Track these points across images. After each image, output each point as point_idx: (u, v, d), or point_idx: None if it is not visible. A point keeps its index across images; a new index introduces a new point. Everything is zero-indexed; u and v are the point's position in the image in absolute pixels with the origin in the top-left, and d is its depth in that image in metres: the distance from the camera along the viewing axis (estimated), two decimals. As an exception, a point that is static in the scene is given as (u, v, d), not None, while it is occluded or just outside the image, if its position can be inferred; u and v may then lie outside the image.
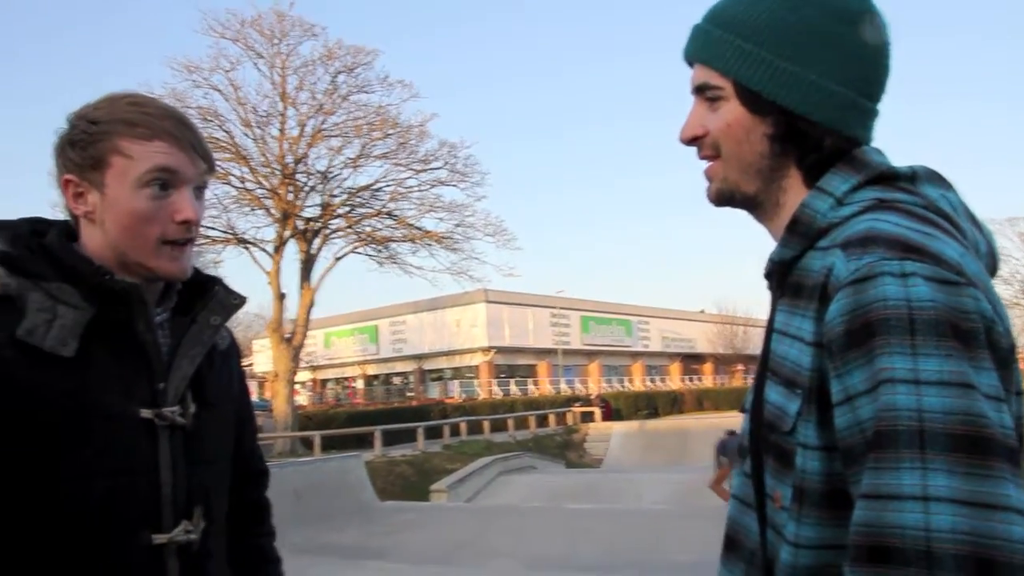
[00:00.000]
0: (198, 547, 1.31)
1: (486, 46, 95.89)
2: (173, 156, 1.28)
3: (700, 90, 1.09)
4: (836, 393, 0.89)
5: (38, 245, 1.29)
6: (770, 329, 1.03)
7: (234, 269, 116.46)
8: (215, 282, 1.43)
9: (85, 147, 1.27)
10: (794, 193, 1.05)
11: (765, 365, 1.02)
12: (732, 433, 10.92)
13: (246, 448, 1.56)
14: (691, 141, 1.10)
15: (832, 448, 0.90)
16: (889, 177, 1.01)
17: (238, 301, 1.45)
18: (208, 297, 1.40)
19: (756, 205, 1.09)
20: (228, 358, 1.49)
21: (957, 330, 0.84)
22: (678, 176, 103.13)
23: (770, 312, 1.06)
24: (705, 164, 1.11)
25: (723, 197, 1.10)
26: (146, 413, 1.26)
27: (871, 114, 1.06)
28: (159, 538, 1.27)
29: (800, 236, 1.01)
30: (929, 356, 0.83)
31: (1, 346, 1.18)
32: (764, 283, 1.10)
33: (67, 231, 1.35)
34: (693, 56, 1.11)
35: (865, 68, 1.04)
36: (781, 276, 1.04)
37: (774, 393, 0.98)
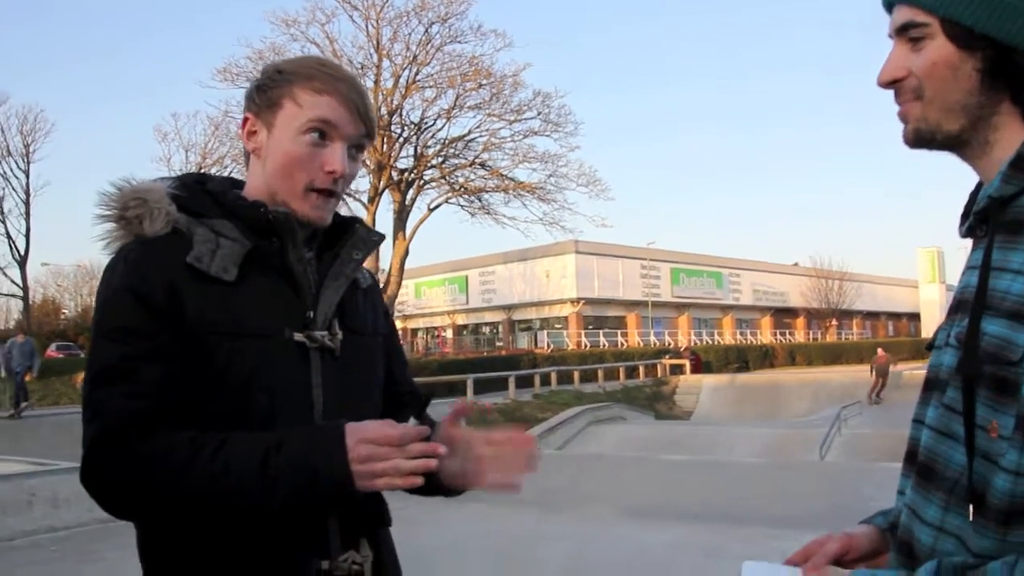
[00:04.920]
0: None
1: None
2: (337, 112, 1.39)
3: (903, 30, 1.05)
4: None
5: (202, 189, 1.44)
6: (986, 266, 1.01)
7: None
8: (356, 221, 1.54)
9: (267, 91, 1.41)
10: (1008, 131, 1.02)
11: (981, 301, 0.99)
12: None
13: (397, 376, 1.64)
14: (890, 84, 1.07)
15: None
16: None
17: (377, 238, 1.56)
18: (349, 234, 1.51)
19: (960, 144, 1.06)
20: (371, 295, 1.59)
21: None
22: (770, 127, 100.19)
23: (983, 251, 1.03)
24: (898, 107, 1.08)
25: (922, 138, 1.07)
26: (298, 336, 1.36)
27: None
28: None
29: None
30: None
31: (175, 270, 1.31)
32: (967, 220, 1.08)
33: (230, 181, 1.49)
34: None
35: None
36: (996, 213, 1.01)
37: (993, 326, 0.96)
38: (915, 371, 29.13)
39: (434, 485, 1.48)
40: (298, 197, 1.39)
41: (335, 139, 1.39)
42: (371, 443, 1.24)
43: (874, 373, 28.44)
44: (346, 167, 1.40)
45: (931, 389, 1.10)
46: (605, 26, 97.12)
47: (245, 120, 1.44)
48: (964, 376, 0.99)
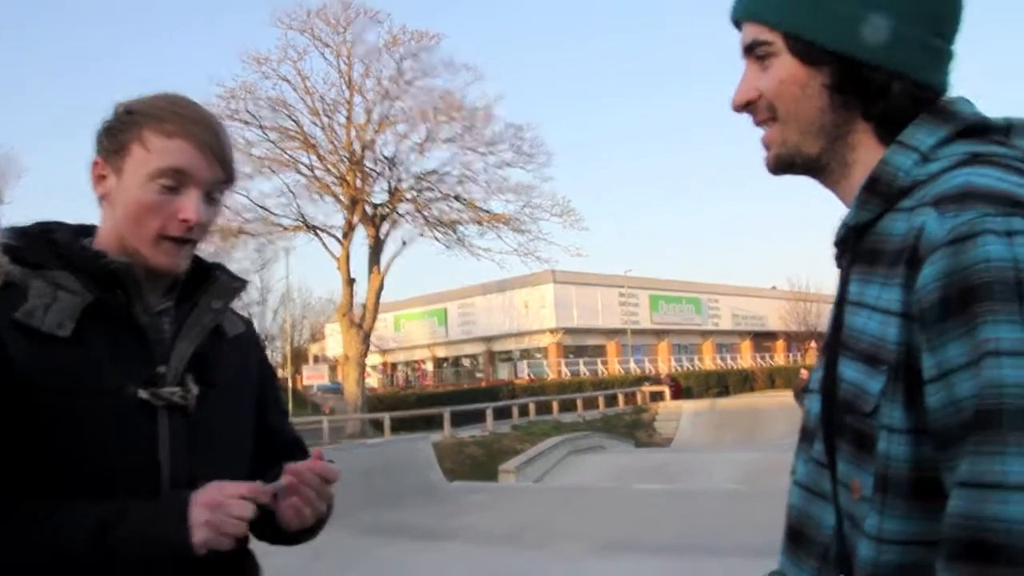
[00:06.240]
0: None
1: (548, 17, 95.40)
2: (189, 157, 1.31)
3: (750, 50, 1.01)
4: (929, 368, 0.79)
5: (44, 239, 1.35)
6: (842, 300, 0.94)
7: (304, 256, 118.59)
8: (217, 268, 1.48)
9: (115, 134, 1.33)
10: (865, 150, 0.97)
11: (837, 340, 0.92)
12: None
13: (274, 426, 1.55)
14: (744, 107, 1.02)
15: (922, 431, 0.80)
16: (980, 130, 0.91)
17: (239, 285, 1.48)
18: (209, 283, 1.43)
19: (820, 168, 1.00)
20: (241, 345, 1.50)
21: None
22: (744, 148, 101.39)
23: (840, 282, 0.97)
24: (762, 132, 1.03)
25: (783, 163, 1.02)
26: (143, 393, 1.27)
27: (945, 56, 0.95)
28: None
29: (880, 196, 0.91)
30: None
31: (2, 326, 1.21)
32: (832, 252, 1.01)
33: (81, 230, 1.41)
34: (740, 14, 1.02)
35: (935, 1, 0.94)
36: (854, 242, 0.95)
37: (850, 370, 0.88)
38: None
39: (290, 534, 1.39)
40: (148, 245, 1.32)
41: (189, 185, 1.32)
42: (214, 504, 1.19)
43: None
44: (201, 215, 1.33)
45: (803, 440, 1.01)
46: (573, 53, 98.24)
47: (94, 164, 1.36)
48: (824, 428, 0.91)
